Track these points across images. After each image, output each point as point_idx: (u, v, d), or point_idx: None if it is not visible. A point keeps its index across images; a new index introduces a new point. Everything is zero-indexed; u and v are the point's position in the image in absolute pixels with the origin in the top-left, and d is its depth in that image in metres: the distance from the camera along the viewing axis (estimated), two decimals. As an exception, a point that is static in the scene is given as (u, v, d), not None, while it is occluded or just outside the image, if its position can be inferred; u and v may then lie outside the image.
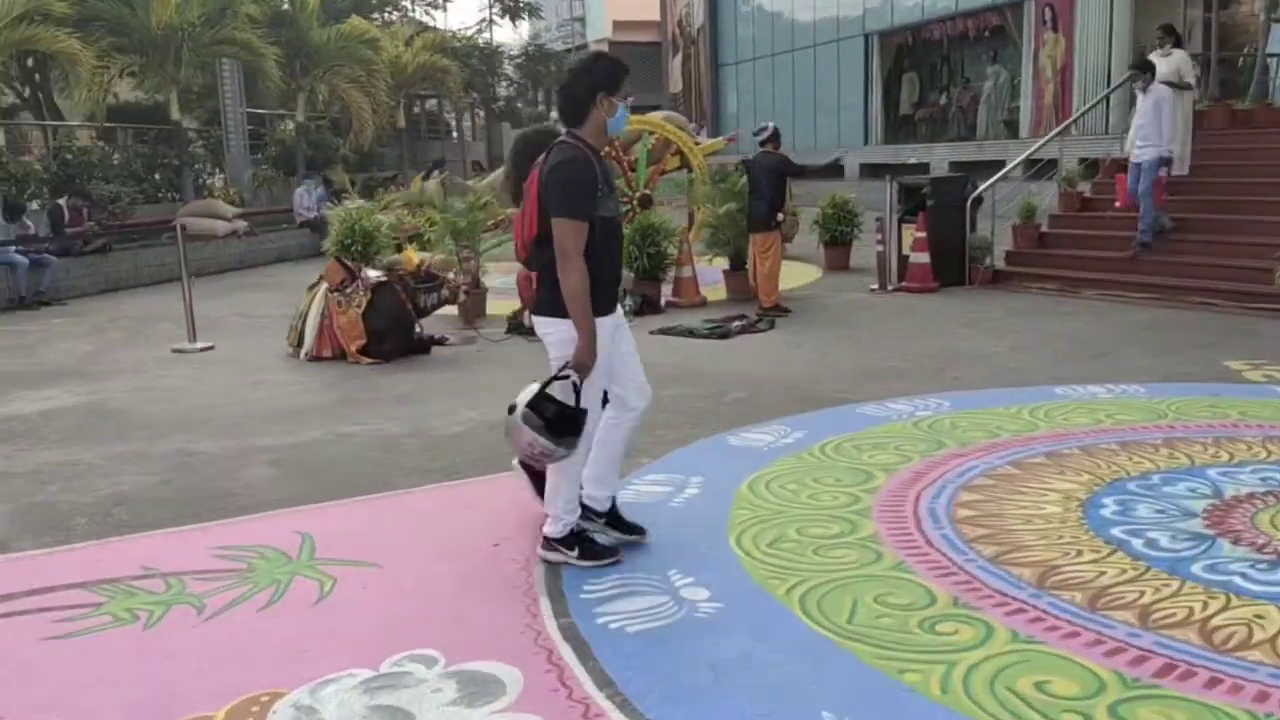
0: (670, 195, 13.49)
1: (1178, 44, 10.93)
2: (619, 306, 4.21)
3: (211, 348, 9.00)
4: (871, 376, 7.07)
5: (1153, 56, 10.73)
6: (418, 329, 8.48)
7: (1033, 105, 19.96)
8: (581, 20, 42.48)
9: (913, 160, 22.99)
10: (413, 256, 8.37)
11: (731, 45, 31.79)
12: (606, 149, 12.37)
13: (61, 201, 13.01)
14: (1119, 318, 9.01)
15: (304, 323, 8.43)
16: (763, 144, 9.77)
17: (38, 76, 16.79)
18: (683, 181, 13.19)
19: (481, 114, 34.19)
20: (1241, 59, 16.95)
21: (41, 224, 12.76)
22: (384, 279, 8.30)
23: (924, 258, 10.92)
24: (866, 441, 5.49)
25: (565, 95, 3.83)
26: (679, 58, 35.35)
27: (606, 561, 3.93)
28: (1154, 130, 9.90)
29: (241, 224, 16.24)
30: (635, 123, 12.84)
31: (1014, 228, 11.62)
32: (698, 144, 13.19)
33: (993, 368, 7.23)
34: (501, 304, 10.02)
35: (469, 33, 32.57)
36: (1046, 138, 13.15)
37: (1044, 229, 11.66)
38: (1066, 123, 14.71)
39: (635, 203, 12.56)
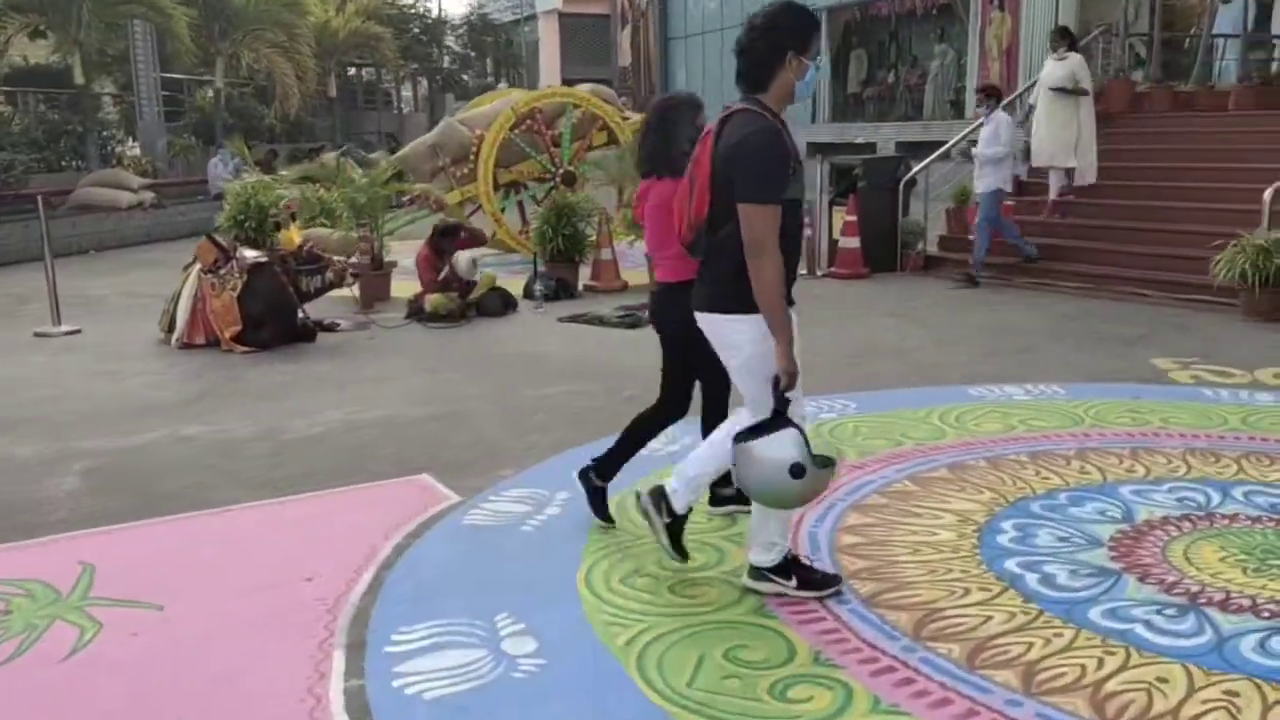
0: (593, 173, 12.89)
1: (1073, 47, 10.33)
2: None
3: (78, 331, 8.31)
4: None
5: (1048, 61, 10.36)
6: (301, 314, 7.84)
7: (978, 86, 19.53)
8: (531, -10, 41.40)
9: (860, 140, 22.58)
10: (294, 236, 7.73)
11: (681, 19, 31.14)
12: (528, 122, 11.80)
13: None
14: (1048, 309, 8.60)
15: (176, 306, 7.77)
16: None
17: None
18: (611, 158, 12.58)
19: (425, 84, 33.21)
20: (1187, 40, 16.67)
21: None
22: (262, 260, 7.66)
23: (853, 243, 10.45)
24: (759, 449, 4.98)
25: (748, 55, 3.19)
26: (628, 30, 34.58)
27: (828, 592, 3.40)
28: (990, 161, 9.47)
29: (148, 195, 15.38)
30: (559, 95, 12.20)
31: (947, 212, 11.20)
32: (625, 119, 12.58)
33: (911, 363, 6.77)
34: (406, 285, 9.40)
35: (410, 0, 31.55)
36: (979, 122, 12.71)
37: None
38: (1004, 101, 14.29)
39: (559, 180, 11.94)
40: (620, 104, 13.15)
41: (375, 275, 9.62)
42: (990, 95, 10.08)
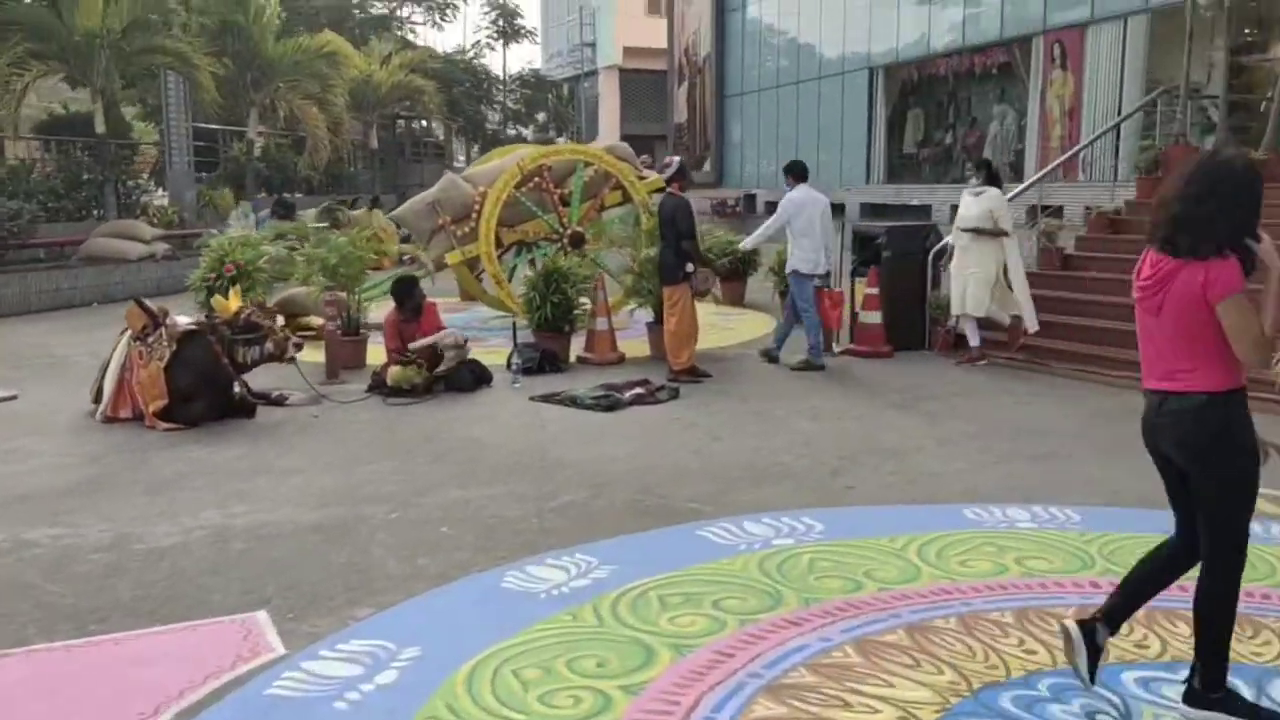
0: (612, 231, 12.16)
1: (991, 180, 9.10)
2: None
3: (13, 397, 7.70)
4: (750, 476, 5.64)
5: (964, 195, 9.21)
6: (238, 387, 7.13)
7: (1039, 147, 18.56)
8: (591, 46, 41.40)
9: (914, 202, 21.61)
10: (231, 303, 7.04)
11: (737, 75, 30.62)
12: (536, 179, 11.10)
13: (-67, 219, 11.82)
14: (1084, 403, 7.53)
15: (104, 375, 7.11)
16: (668, 183, 8.42)
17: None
18: (623, 219, 11.84)
19: (478, 139, 33.09)
20: (1263, 104, 15.47)
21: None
22: (193, 328, 6.97)
23: (875, 318, 9.48)
24: (682, 589, 4.06)
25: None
26: (684, 86, 34.18)
27: None
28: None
29: (161, 247, 15.01)
30: (570, 152, 11.51)
31: (983, 286, 10.14)
32: (642, 178, 11.84)
33: (904, 471, 5.77)
34: (382, 351, 8.65)
35: (467, 56, 31.51)
36: (1028, 182, 11.75)
37: (1017, 289, 10.17)
38: (1050, 167, 13.38)
39: (565, 241, 11.21)
40: (639, 162, 12.40)
41: (346, 341, 8.91)
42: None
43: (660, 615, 3.82)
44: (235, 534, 4.72)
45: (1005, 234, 8.88)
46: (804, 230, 8.80)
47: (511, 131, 32.93)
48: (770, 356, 9.10)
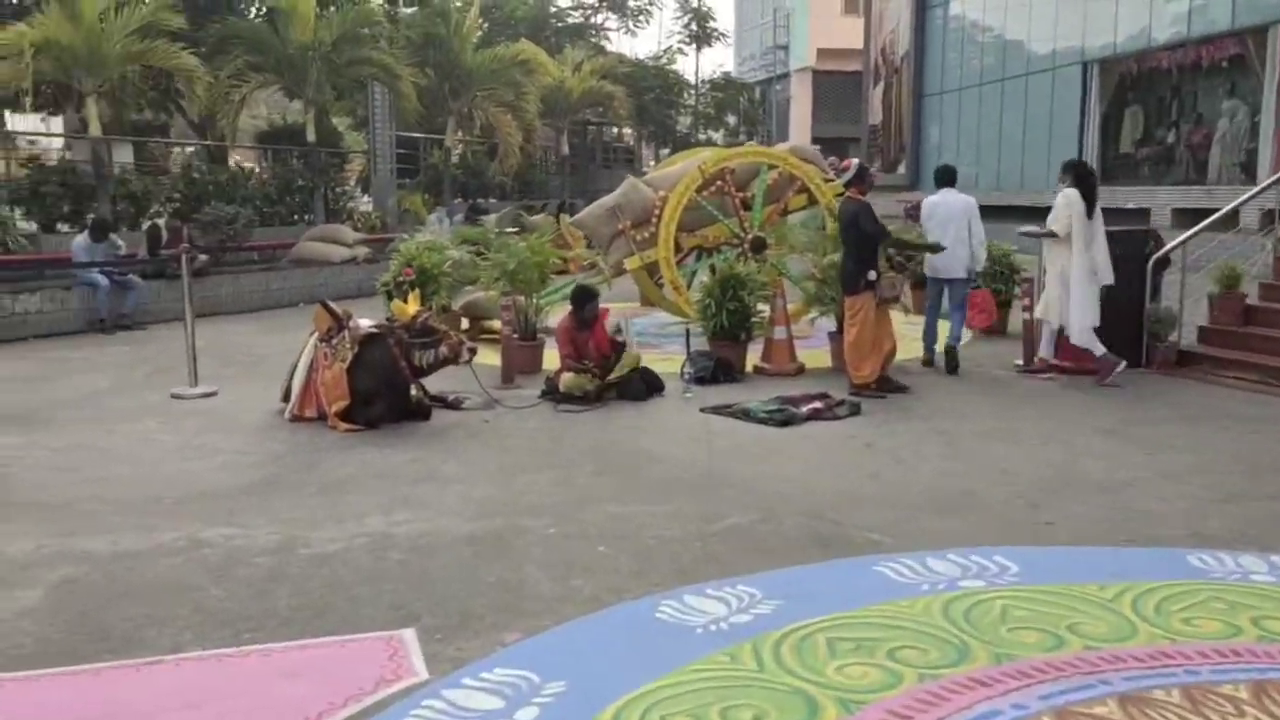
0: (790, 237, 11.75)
1: (1080, 180, 8.34)
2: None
3: (212, 394, 8.05)
4: (935, 506, 5.16)
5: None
6: (415, 390, 7.18)
7: (1274, 146, 16.85)
8: (785, 49, 40.86)
9: (1130, 205, 20.10)
10: (408, 307, 7.08)
11: (937, 74, 29.43)
12: (718, 183, 10.83)
13: (160, 222, 12.67)
14: (1335, 434, 6.60)
15: (293, 375, 7.31)
16: (846, 187, 7.95)
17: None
18: (805, 223, 11.40)
19: (668, 143, 33.17)
20: None
21: (140, 245, 12.44)
22: (375, 331, 7.06)
23: (1082, 332, 8.67)
24: (854, 634, 3.68)
25: None
26: (880, 87, 33.17)
27: None
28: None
29: (362, 250, 15.65)
30: (753, 155, 11.17)
31: (1210, 298, 9.15)
32: (829, 181, 11.37)
33: (1114, 507, 5.15)
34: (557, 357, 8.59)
35: (660, 61, 31.63)
36: (1266, 183, 10.55)
37: (1250, 301, 9.12)
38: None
39: (747, 246, 10.88)
40: (825, 164, 11.93)
41: (522, 346, 8.91)
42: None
43: (828, 663, 3.46)
44: (395, 543, 4.65)
45: (1051, 235, 8.33)
46: (937, 234, 8.76)
47: (702, 136, 32.81)
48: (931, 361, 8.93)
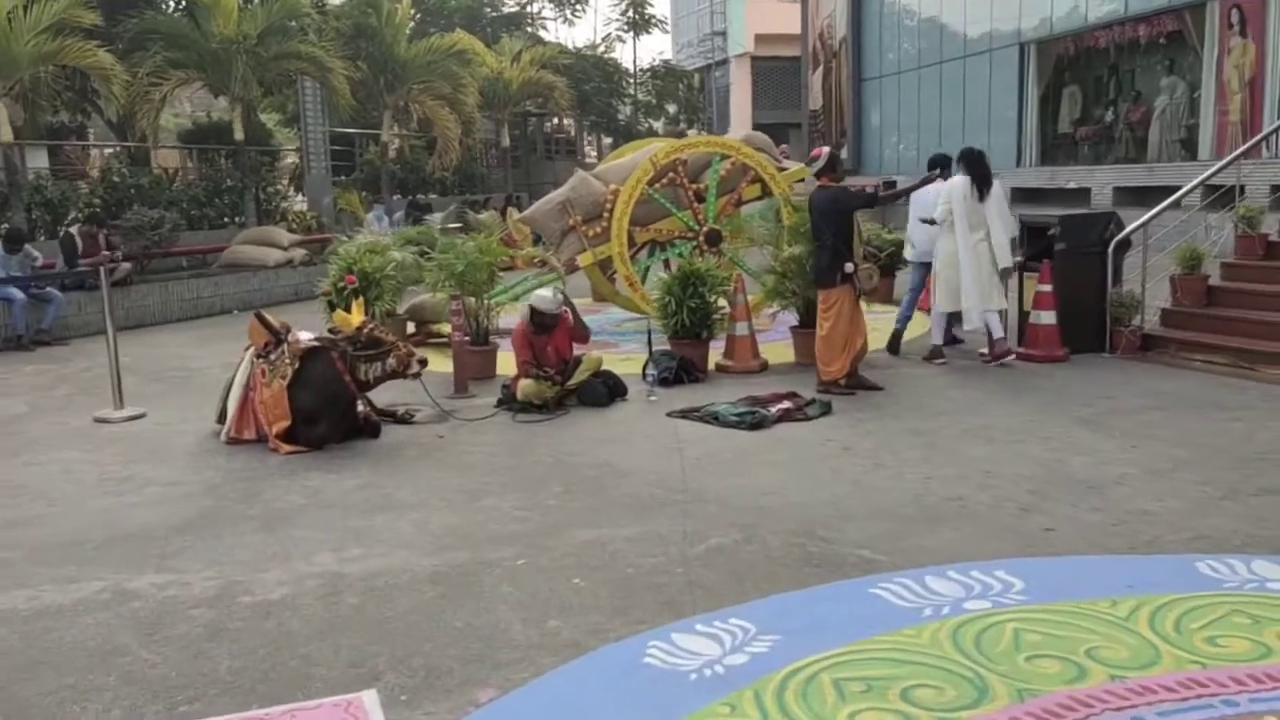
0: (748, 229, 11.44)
1: (965, 166, 8.41)
2: None
3: (141, 415, 7.52)
4: (925, 515, 4.87)
5: None
6: (362, 406, 6.73)
7: (1215, 122, 16.97)
8: (723, 34, 40.59)
9: (1071, 185, 20.18)
10: (351, 317, 6.63)
11: (875, 58, 29.39)
12: (670, 174, 10.48)
13: (72, 229, 11.96)
14: (1315, 418, 6.45)
15: (228, 395, 6.83)
16: (818, 176, 7.65)
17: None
18: (763, 214, 11.09)
19: (610, 133, 32.70)
20: None
21: (56, 254, 11.73)
22: (316, 344, 6.60)
23: (1049, 318, 8.49)
24: (861, 672, 3.36)
25: None
26: (819, 72, 33.06)
27: None
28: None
29: (299, 253, 15.04)
30: (705, 145, 10.83)
31: (1173, 279, 9.03)
32: (782, 169, 11.08)
33: (1108, 508, 4.91)
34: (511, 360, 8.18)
35: (598, 50, 31.14)
36: (1225, 160, 10.47)
37: (1214, 281, 9.01)
38: (1252, 141, 11.96)
39: (701, 239, 10.55)
40: (778, 153, 11.64)
41: (474, 351, 8.49)
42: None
43: (838, 709, 3.13)
44: (348, 585, 4.24)
45: (933, 222, 8.49)
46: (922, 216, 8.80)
47: (643, 126, 32.41)
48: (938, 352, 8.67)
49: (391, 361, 6.52)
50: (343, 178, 20.24)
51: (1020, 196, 20.03)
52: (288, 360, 6.52)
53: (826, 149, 7.68)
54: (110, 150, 16.28)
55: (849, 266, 7.40)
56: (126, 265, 12.59)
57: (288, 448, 6.39)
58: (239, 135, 15.56)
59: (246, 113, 15.81)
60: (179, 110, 29.23)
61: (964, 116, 24.52)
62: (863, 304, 7.76)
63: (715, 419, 6.81)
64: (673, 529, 4.79)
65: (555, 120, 28.84)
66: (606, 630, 3.74)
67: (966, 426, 6.48)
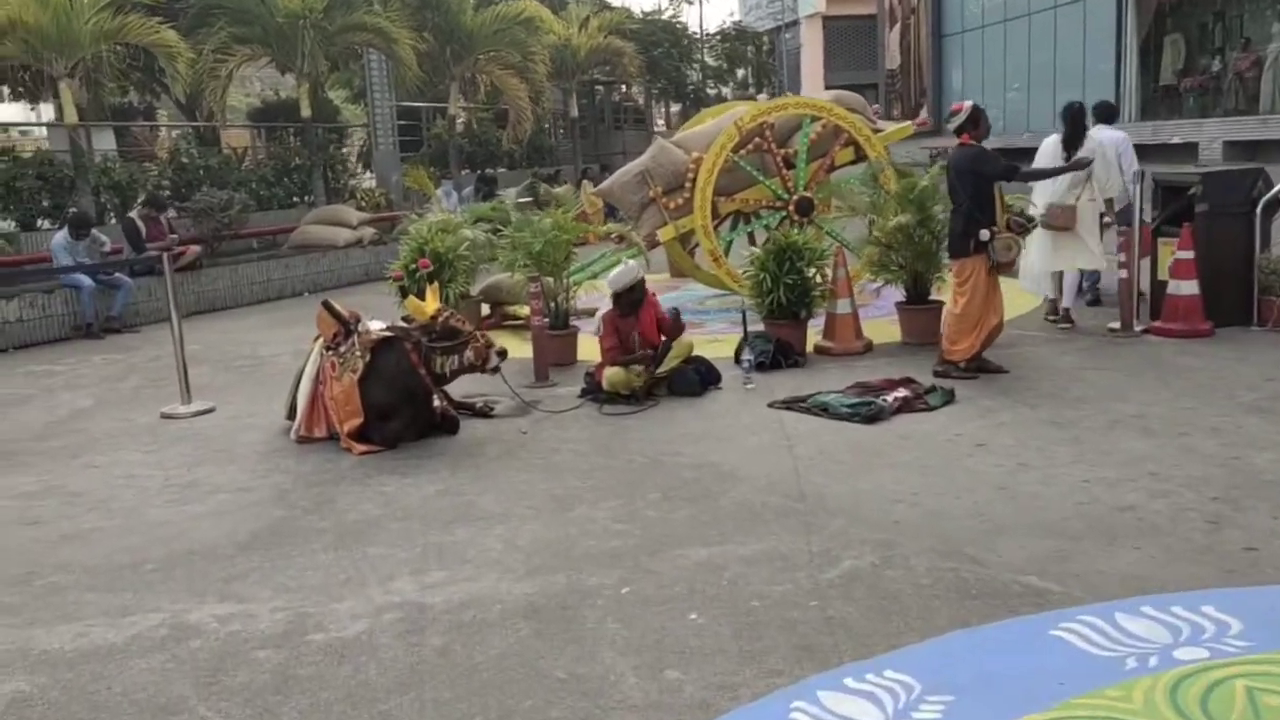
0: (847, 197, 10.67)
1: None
2: None
3: (210, 410, 7.10)
4: (1094, 530, 4.17)
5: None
6: (438, 401, 6.20)
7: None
8: (793, -5, 39.30)
9: (1176, 140, 18.88)
10: (426, 305, 6.07)
11: (957, 12, 28.06)
12: (756, 139, 9.76)
13: (133, 214, 11.63)
14: None
15: (297, 389, 6.35)
16: (957, 133, 6.87)
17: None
18: (863, 179, 10.32)
19: (679, 100, 31.82)
20: None
21: (121, 239, 11.42)
22: (389, 335, 6.07)
23: (1190, 288, 7.63)
24: (1062, 748, 2.70)
25: None
26: (896, 30, 31.76)
27: None
28: None
29: (369, 231, 14.62)
30: (794, 106, 10.06)
31: (1329, 243, 8.08)
32: (877, 131, 10.28)
33: (1318, 520, 4.15)
34: (594, 344, 7.58)
35: (665, 13, 30.24)
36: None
37: (1379, 244, 8.04)
38: None
39: (792, 208, 9.82)
40: (871, 113, 10.84)
41: (555, 337, 7.92)
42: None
43: (1044, 805, 2.48)
44: (432, 619, 3.69)
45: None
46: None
47: (711, 91, 31.45)
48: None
49: (469, 354, 5.96)
50: (411, 153, 19.79)
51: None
52: (358, 353, 6.01)
53: (969, 103, 6.87)
54: (178, 131, 15.98)
55: (984, 234, 6.62)
56: (197, 249, 12.28)
57: (361, 447, 5.89)
58: (305, 112, 15.15)
59: (314, 89, 15.39)
60: (250, 90, 29.14)
61: (1055, 71, 23.18)
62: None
63: (824, 410, 6.14)
64: (796, 547, 4.15)
65: (623, 88, 28.08)
66: (737, 684, 3.14)
67: (1115, 416, 5.71)
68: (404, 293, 5.92)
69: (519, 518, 4.70)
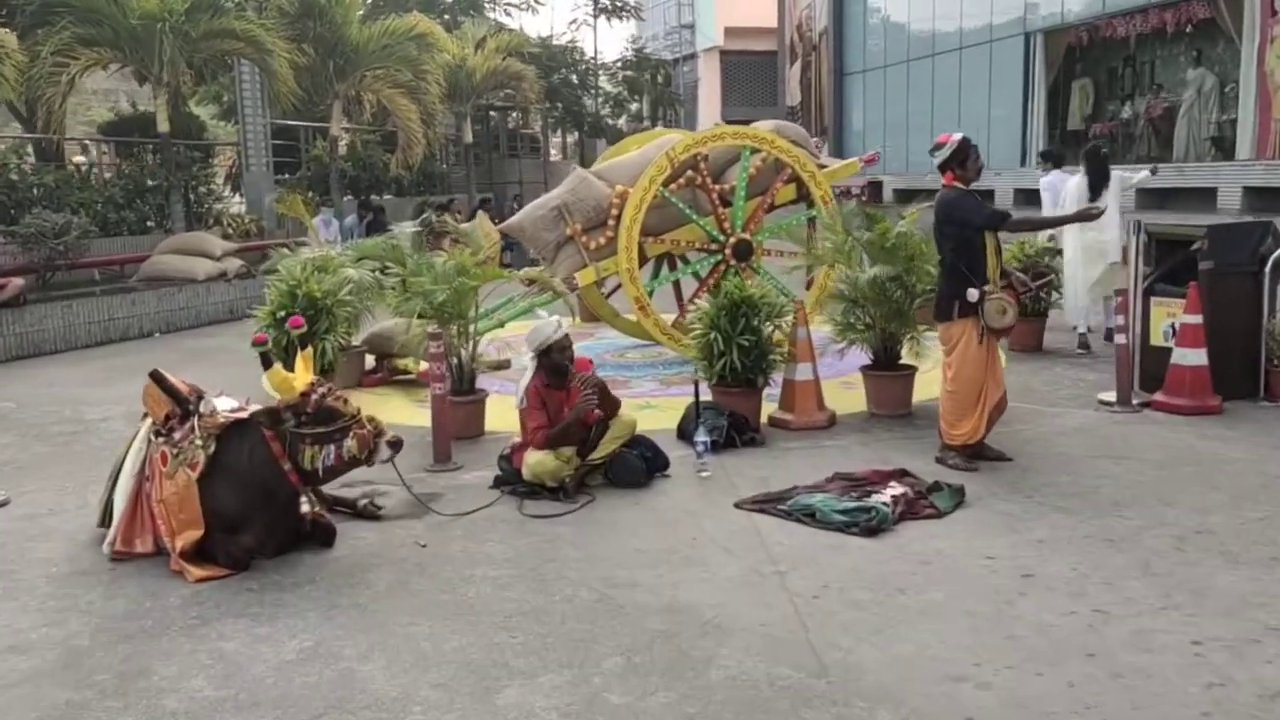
0: (778, 242, 9.51)
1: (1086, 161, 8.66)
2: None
3: (3, 504, 5.39)
4: (1243, 731, 2.94)
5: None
6: (306, 503, 4.67)
7: (1256, 120, 15.30)
8: (690, 28, 38.67)
9: (1084, 187, 18.53)
10: (295, 378, 4.53)
11: (859, 50, 27.67)
12: (689, 173, 8.52)
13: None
14: None
15: (114, 486, 4.74)
16: (941, 170, 5.73)
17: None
18: (790, 224, 9.18)
19: (574, 131, 30.59)
20: None
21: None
22: (241, 416, 4.54)
23: (1198, 357, 6.64)
24: None
25: None
26: (797, 66, 31.33)
27: None
28: None
29: (235, 263, 12.84)
30: (732, 136, 8.87)
31: (1338, 306, 7.23)
32: (822, 167, 9.18)
33: None
34: (507, 409, 6.14)
35: (562, 39, 29.03)
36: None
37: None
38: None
39: (728, 252, 8.60)
40: (814, 146, 9.74)
41: (460, 404, 6.46)
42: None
43: None
44: None
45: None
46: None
47: (609, 122, 30.31)
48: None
49: (350, 444, 4.45)
50: (287, 176, 17.99)
51: (1024, 199, 18.32)
52: (199, 442, 4.45)
53: (958, 135, 5.70)
54: (5, 144, 13.91)
55: (972, 293, 5.46)
56: (20, 281, 10.35)
57: (198, 571, 4.32)
58: (163, 126, 13.27)
59: (174, 100, 13.57)
60: (114, 103, 26.70)
61: (960, 113, 22.78)
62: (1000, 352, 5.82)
63: (810, 517, 4.84)
64: (839, 768, 2.81)
65: (519, 115, 26.72)
66: None
67: (1176, 530, 4.57)
68: (267, 363, 4.43)
69: (422, 708, 3.24)
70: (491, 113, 24.33)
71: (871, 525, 4.66)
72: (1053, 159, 10.04)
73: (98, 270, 12.38)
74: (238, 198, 16.82)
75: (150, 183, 13.60)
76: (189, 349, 10.47)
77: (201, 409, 4.51)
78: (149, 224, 13.74)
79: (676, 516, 5.00)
